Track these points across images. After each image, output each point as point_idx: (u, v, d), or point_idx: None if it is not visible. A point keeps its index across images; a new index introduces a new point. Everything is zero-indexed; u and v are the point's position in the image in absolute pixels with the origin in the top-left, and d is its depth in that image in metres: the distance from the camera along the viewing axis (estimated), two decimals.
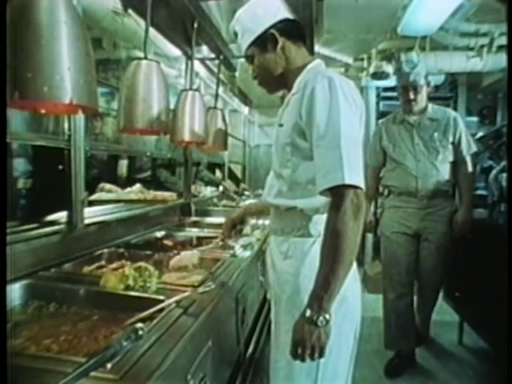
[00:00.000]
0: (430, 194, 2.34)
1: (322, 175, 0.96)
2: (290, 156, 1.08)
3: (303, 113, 1.01)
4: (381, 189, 2.70)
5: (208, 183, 3.47)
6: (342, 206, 0.92)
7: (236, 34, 1.19)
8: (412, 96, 2.32)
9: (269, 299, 1.29)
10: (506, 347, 1.51)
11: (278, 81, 1.18)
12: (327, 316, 0.92)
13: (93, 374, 0.68)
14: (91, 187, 2.14)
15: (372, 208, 2.97)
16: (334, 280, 0.92)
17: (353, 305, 1.12)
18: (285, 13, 1.14)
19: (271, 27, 1.11)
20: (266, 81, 1.21)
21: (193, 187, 2.76)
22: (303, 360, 0.94)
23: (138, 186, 1.76)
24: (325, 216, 1.04)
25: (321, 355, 0.94)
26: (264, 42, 1.13)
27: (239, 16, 1.17)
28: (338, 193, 0.93)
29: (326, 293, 0.92)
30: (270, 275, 1.22)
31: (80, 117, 1.43)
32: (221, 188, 3.56)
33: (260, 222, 2.18)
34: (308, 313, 0.93)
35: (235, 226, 1.52)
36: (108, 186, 1.64)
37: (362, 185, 0.94)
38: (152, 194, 1.75)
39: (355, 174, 0.93)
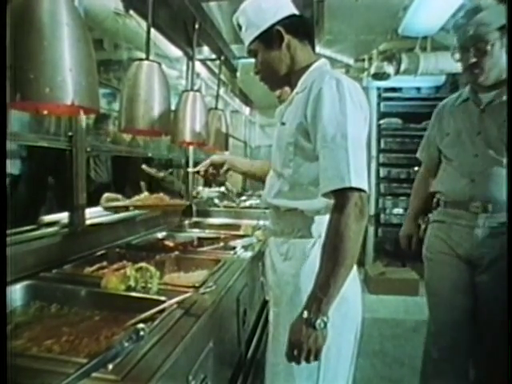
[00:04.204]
0: (490, 207, 1.58)
1: (328, 177, 0.95)
2: (292, 156, 1.07)
3: (308, 113, 1.00)
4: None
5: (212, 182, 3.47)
6: (346, 208, 0.91)
7: (240, 27, 1.15)
8: (473, 59, 1.54)
9: (268, 300, 1.29)
10: (506, 347, 1.47)
11: (281, 78, 1.15)
12: (325, 319, 0.92)
13: (94, 374, 0.68)
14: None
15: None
16: (334, 282, 0.91)
17: (353, 305, 1.11)
18: (291, 8, 1.13)
19: (277, 23, 1.09)
20: (268, 77, 1.18)
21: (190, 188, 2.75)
22: (298, 362, 0.94)
23: (146, 194, 1.77)
24: (325, 217, 1.04)
25: (316, 358, 0.94)
26: (269, 38, 1.10)
27: (244, 8, 1.12)
28: (342, 195, 0.93)
29: (325, 295, 0.91)
30: (270, 276, 1.22)
31: (81, 118, 1.43)
32: (223, 188, 3.55)
33: (261, 222, 2.18)
34: (306, 314, 0.92)
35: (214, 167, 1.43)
36: (112, 195, 1.65)
37: (366, 188, 0.94)
38: (166, 200, 1.76)
39: (360, 177, 0.93)
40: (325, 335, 0.93)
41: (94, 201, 1.57)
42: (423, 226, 1.98)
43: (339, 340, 1.03)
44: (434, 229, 1.82)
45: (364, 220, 0.93)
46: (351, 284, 1.01)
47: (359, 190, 0.92)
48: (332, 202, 0.98)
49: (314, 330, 0.91)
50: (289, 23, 1.10)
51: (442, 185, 1.77)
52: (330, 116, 0.95)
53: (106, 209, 1.57)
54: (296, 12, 1.13)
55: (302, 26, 1.15)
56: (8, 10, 0.78)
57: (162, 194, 1.74)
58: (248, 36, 1.13)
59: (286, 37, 1.09)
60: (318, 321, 0.91)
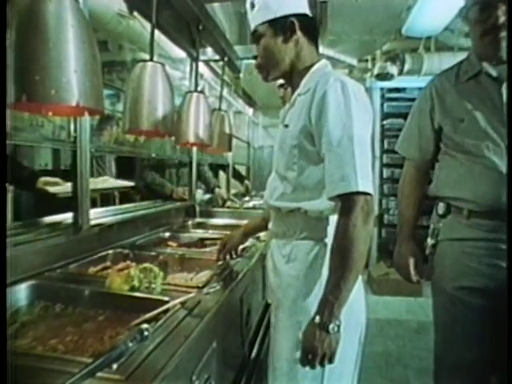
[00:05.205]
0: None
1: (334, 181, 0.94)
2: (296, 159, 1.06)
3: (313, 116, 0.99)
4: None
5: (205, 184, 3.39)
6: (353, 212, 0.91)
7: (252, 5, 1.10)
8: (503, 17, 1.15)
9: (270, 303, 1.28)
10: (505, 347, 1.40)
11: (279, 70, 1.12)
12: (338, 322, 0.92)
13: (99, 374, 0.69)
14: None
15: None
16: (344, 286, 0.91)
17: (357, 307, 1.10)
18: (306, 9, 1.12)
19: (293, 15, 1.07)
20: (266, 65, 1.14)
21: (180, 190, 2.72)
22: (313, 367, 0.94)
23: (105, 178, 1.80)
24: (329, 218, 1.04)
25: (330, 362, 0.94)
26: (281, 26, 1.07)
27: None
28: (349, 199, 0.92)
29: (336, 299, 0.91)
30: (272, 279, 1.20)
31: (85, 119, 1.44)
32: (216, 192, 3.42)
33: None
34: (318, 319, 0.92)
35: (233, 248, 1.46)
36: (51, 179, 1.66)
37: (372, 191, 0.94)
38: (112, 182, 1.78)
39: (366, 181, 0.93)
40: (338, 339, 0.93)
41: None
42: (431, 242, 1.41)
43: (343, 342, 1.02)
44: (453, 250, 1.33)
45: (371, 223, 0.93)
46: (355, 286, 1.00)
47: (365, 193, 0.92)
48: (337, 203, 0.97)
49: (327, 334, 0.91)
50: (303, 20, 1.09)
51: (462, 188, 1.30)
52: (336, 119, 0.95)
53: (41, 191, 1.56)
54: (310, 14, 1.12)
55: (312, 28, 1.14)
56: (8, 10, 0.78)
57: (107, 177, 1.74)
58: (259, 16, 1.09)
59: (298, 32, 1.08)
60: (332, 325, 0.91)
